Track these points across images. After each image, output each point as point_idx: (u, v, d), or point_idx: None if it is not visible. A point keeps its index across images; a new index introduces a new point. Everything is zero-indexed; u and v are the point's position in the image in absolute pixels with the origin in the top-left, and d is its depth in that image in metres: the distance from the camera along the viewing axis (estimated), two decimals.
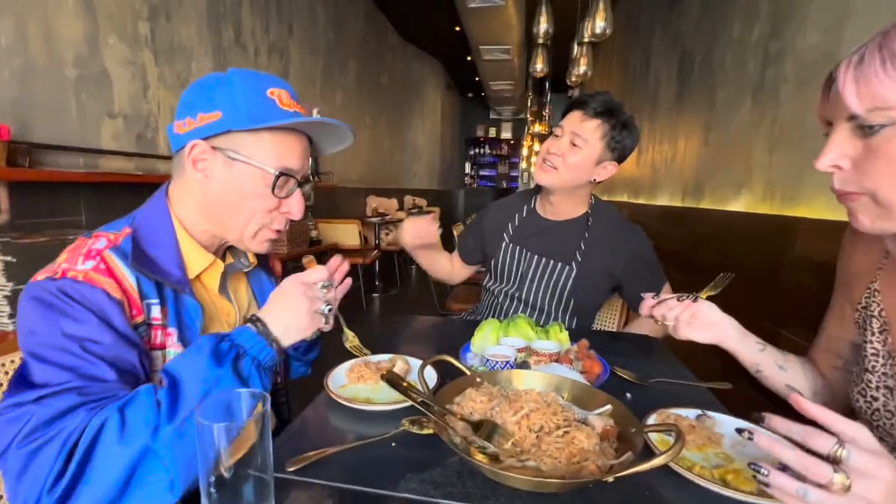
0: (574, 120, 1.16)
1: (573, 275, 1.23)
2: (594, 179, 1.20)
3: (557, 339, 0.99)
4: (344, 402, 0.73)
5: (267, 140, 0.69)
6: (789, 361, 0.79)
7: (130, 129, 2.25)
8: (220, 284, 0.78)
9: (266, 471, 0.43)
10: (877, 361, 0.63)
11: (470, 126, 11.83)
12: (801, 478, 0.41)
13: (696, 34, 2.85)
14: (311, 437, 0.68)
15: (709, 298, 0.82)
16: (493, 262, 1.36)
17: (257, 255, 0.88)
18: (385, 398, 0.77)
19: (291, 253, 3.27)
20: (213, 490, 0.39)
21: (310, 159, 0.78)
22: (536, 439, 0.57)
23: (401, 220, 5.53)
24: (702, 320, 0.79)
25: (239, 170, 0.69)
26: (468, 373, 0.71)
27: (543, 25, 2.62)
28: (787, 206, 1.78)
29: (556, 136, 1.19)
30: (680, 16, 3.16)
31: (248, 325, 0.65)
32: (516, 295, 1.31)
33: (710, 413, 0.71)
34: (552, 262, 1.25)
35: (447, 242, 1.45)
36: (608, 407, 0.63)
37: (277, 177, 0.69)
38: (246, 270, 0.87)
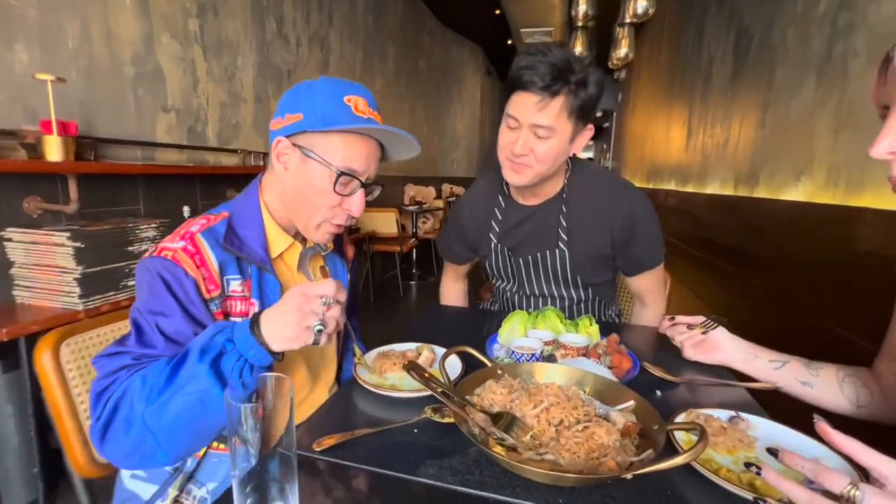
0: (527, 108, 0.95)
1: (567, 257, 1.13)
2: (573, 154, 1.05)
3: (587, 332, 0.97)
4: (371, 389, 0.76)
5: (336, 141, 0.77)
6: (819, 376, 0.76)
7: (182, 122, 2.38)
8: (299, 263, 0.87)
9: (290, 448, 0.45)
10: None
11: None
12: None
13: (755, 8, 2.64)
14: (339, 420, 0.71)
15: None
16: (487, 264, 1.27)
17: (333, 241, 0.96)
18: (410, 385, 0.79)
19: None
20: (239, 471, 0.42)
21: (377, 163, 0.84)
22: (556, 433, 0.57)
23: (438, 209, 5.57)
24: (709, 342, 0.84)
25: (311, 166, 0.78)
26: (489, 364, 0.72)
27: (583, 7, 2.50)
28: (851, 195, 1.64)
29: (511, 128, 1.00)
30: None
31: (249, 322, 0.66)
32: (520, 292, 1.27)
33: (743, 415, 0.67)
34: (539, 254, 1.15)
35: None
36: (631, 403, 0.62)
37: (339, 175, 0.77)
38: (323, 254, 0.95)
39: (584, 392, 0.68)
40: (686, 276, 3.36)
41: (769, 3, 2.45)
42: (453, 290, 1.45)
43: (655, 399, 0.78)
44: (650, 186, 5.33)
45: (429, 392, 0.72)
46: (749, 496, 0.51)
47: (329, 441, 0.61)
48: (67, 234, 1.51)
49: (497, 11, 5.91)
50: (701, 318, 0.88)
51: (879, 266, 1.39)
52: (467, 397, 0.64)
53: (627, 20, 2.39)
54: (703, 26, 3.63)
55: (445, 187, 6.83)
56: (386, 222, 4.19)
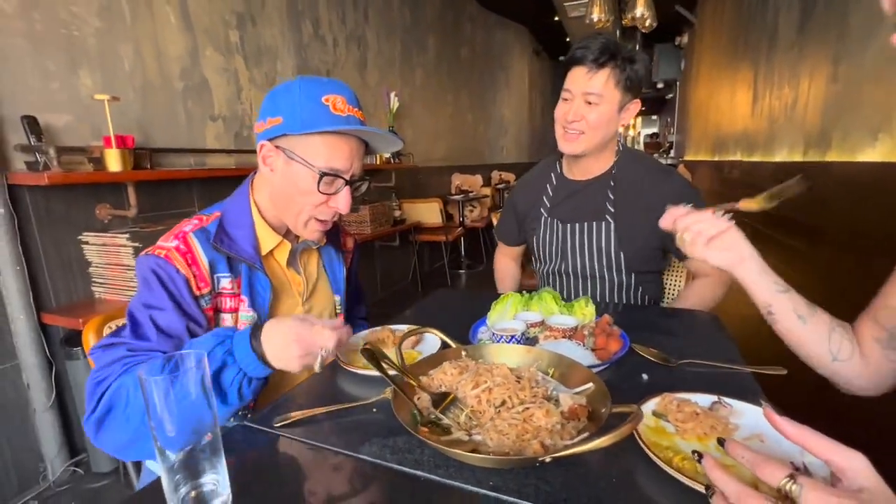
0: (580, 78, 1.10)
1: (612, 230, 1.17)
2: (622, 126, 1.15)
3: (582, 314, 0.92)
4: (342, 365, 0.78)
5: (317, 143, 0.78)
6: (815, 316, 0.66)
7: (229, 129, 2.57)
8: (289, 259, 0.92)
9: (214, 428, 0.48)
10: None
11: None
12: None
13: None
14: (314, 397, 0.75)
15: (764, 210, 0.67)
16: (535, 241, 1.31)
17: (328, 233, 0.99)
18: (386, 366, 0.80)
19: (375, 232, 3.47)
20: (163, 446, 0.46)
21: (361, 159, 0.85)
22: (496, 414, 0.55)
23: (485, 196, 5.52)
24: (723, 241, 0.68)
25: (295, 168, 0.79)
26: (453, 346, 0.71)
27: None
28: None
29: (566, 100, 1.13)
30: None
31: (248, 336, 0.68)
32: (564, 269, 1.25)
33: (727, 400, 0.61)
34: (586, 224, 1.20)
35: None
36: (588, 386, 0.58)
37: (322, 176, 0.79)
38: (315, 247, 0.99)
39: (549, 375, 0.65)
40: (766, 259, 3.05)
41: None
42: (508, 271, 1.50)
43: (640, 382, 0.73)
44: (715, 159, 4.88)
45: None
46: (696, 486, 0.46)
47: (290, 418, 0.65)
48: (127, 235, 1.71)
49: None
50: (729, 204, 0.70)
51: None
52: (422, 378, 0.64)
53: None
54: None
55: (494, 175, 6.74)
56: (430, 212, 4.23)
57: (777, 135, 2.96)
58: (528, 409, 0.54)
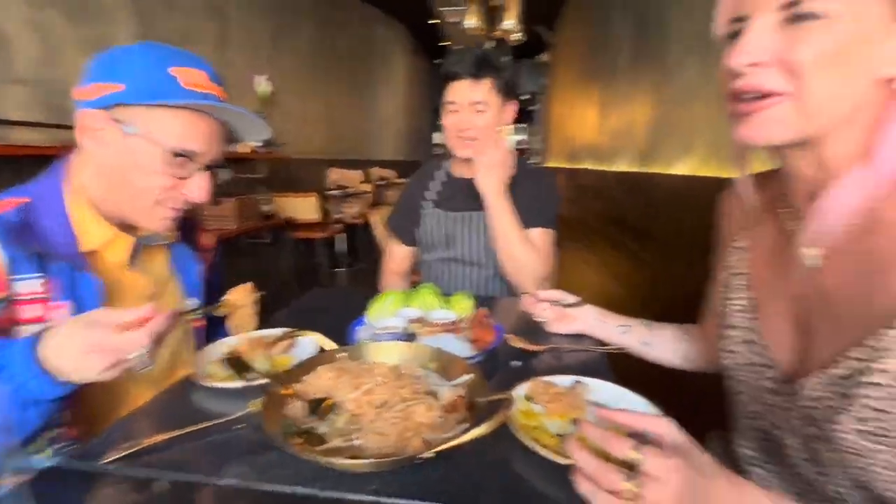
0: (463, 90, 1.20)
1: None
2: (504, 125, 1.27)
3: (460, 308, 0.95)
4: (198, 380, 0.68)
5: (167, 118, 0.68)
6: (657, 336, 0.84)
7: (38, 96, 2.07)
8: (131, 257, 0.76)
9: None
10: (740, 318, 0.61)
11: (440, 93, 11.48)
12: None
13: None
14: (159, 419, 0.63)
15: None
16: (420, 232, 1.36)
17: (182, 229, 0.86)
18: (255, 373, 0.72)
19: (241, 227, 3.15)
20: None
21: (221, 144, 0.75)
22: (376, 415, 0.53)
23: (366, 192, 5.41)
24: (569, 315, 0.89)
25: (133, 143, 0.68)
26: (326, 349, 0.67)
27: None
28: (729, 167, 1.77)
29: (453, 111, 1.23)
30: None
31: (31, 345, 0.54)
32: (450, 256, 1.32)
33: (584, 380, 0.68)
34: (475, 213, 1.27)
35: None
36: (467, 377, 0.60)
37: (173, 156, 0.69)
38: (164, 244, 0.83)
39: (430, 369, 0.65)
40: (604, 256, 3.54)
41: None
42: (395, 286, 1.45)
43: (510, 369, 0.78)
44: (570, 166, 5.54)
45: (254, 382, 0.66)
46: (559, 461, 0.50)
47: (129, 448, 0.53)
48: None
49: None
50: (559, 294, 0.91)
51: None
52: (294, 385, 0.59)
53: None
54: (610, 4, 3.76)
55: (374, 171, 6.66)
56: (306, 207, 3.99)
57: (618, 148, 3.48)
58: (409, 406, 0.53)
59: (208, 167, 0.74)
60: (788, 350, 0.54)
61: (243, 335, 0.84)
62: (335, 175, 5.18)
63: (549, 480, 0.50)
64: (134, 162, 0.69)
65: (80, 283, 0.69)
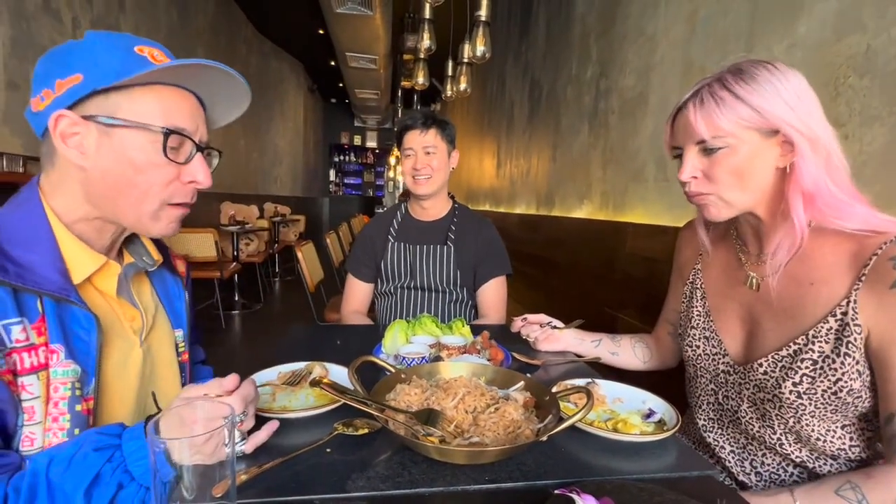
0: (417, 138, 1.43)
1: (451, 252, 1.46)
2: (452, 168, 1.50)
3: (461, 333, 1.07)
4: (261, 414, 0.68)
5: (147, 97, 0.60)
6: (621, 346, 1.07)
7: None
8: (118, 287, 0.68)
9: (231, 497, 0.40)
10: (699, 320, 0.85)
11: (334, 132, 11.51)
12: None
13: (543, 66, 3.32)
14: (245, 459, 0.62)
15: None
16: (383, 265, 1.49)
17: (161, 254, 0.79)
18: (302, 404, 0.74)
19: None
20: None
21: (205, 123, 0.69)
22: (473, 419, 0.63)
23: (263, 229, 5.12)
24: (553, 336, 1.07)
25: (120, 136, 0.60)
26: (392, 371, 0.74)
27: (426, 42, 2.78)
28: (618, 213, 2.20)
29: (409, 156, 1.45)
30: (529, 47, 3.63)
31: (143, 437, 0.53)
32: (411, 284, 1.45)
33: (595, 380, 0.86)
34: (432, 247, 1.47)
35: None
36: (521, 384, 0.73)
37: (167, 135, 0.60)
38: (151, 269, 0.77)
39: (482, 381, 0.76)
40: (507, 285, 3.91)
41: (553, 63, 3.12)
42: (355, 320, 1.52)
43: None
44: (470, 206, 6.01)
45: (326, 408, 0.69)
46: (611, 436, 0.66)
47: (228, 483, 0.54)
48: None
49: (321, 31, 5.87)
50: (545, 318, 1.10)
51: (638, 264, 1.91)
52: (387, 402, 0.65)
53: (466, 59, 2.83)
54: (505, 73, 4.35)
55: (269, 206, 6.33)
56: (202, 244, 3.65)
57: (517, 193, 3.95)
58: (498, 408, 0.63)
59: (202, 148, 0.67)
60: (739, 342, 0.79)
61: (273, 371, 0.84)
62: (231, 210, 4.83)
63: (608, 453, 0.65)
64: (128, 160, 0.60)
65: (69, 321, 0.60)
